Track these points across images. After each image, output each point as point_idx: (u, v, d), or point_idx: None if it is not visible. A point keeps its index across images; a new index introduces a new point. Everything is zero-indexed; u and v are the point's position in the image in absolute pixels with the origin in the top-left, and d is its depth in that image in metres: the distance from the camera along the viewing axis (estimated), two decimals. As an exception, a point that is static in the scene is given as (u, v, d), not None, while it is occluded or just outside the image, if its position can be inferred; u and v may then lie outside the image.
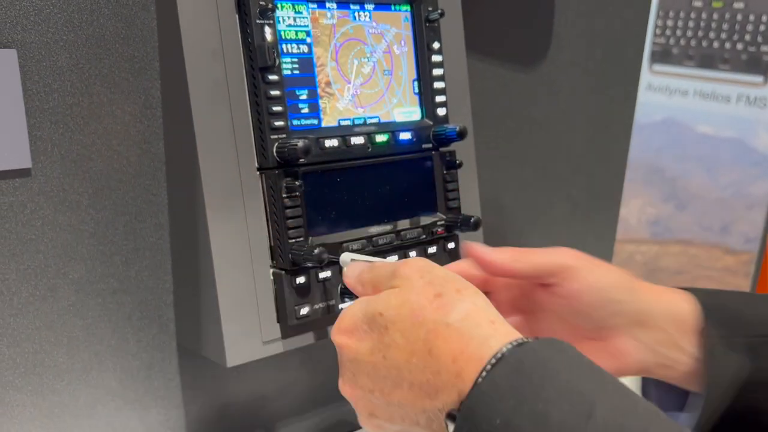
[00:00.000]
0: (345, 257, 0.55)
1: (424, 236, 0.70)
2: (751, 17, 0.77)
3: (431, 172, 0.71)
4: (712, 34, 0.80)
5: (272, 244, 0.63)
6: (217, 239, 0.61)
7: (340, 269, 0.55)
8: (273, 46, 0.61)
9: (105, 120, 0.64)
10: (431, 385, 0.41)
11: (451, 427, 0.40)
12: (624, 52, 1.05)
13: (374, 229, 0.67)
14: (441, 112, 0.72)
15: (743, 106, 0.78)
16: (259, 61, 0.60)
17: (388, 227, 0.68)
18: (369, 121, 0.68)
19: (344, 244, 0.64)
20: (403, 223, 0.70)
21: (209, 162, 0.60)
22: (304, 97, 0.64)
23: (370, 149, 0.67)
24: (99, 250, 0.65)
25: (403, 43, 0.70)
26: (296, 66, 0.63)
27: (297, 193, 0.62)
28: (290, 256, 0.62)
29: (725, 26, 0.79)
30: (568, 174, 1.05)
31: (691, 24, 0.81)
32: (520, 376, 0.38)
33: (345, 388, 0.48)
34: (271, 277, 0.63)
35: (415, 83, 0.71)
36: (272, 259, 0.63)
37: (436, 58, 0.71)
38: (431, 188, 0.71)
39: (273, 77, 0.61)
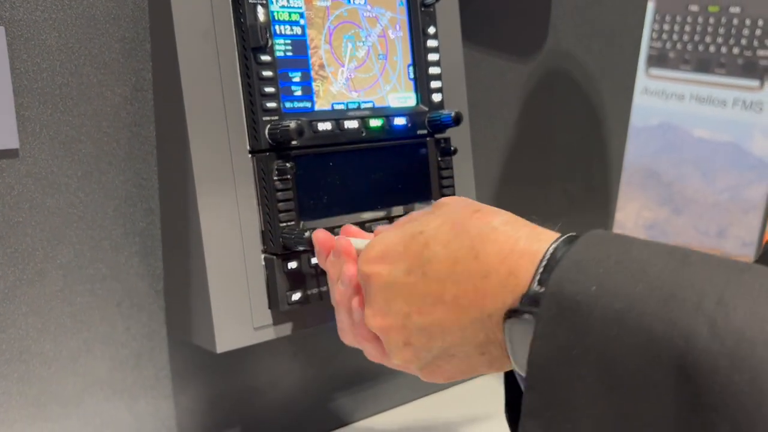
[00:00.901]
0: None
1: (418, 224, 0.69)
2: (747, 22, 0.76)
3: (426, 159, 0.70)
4: (708, 39, 0.79)
5: (263, 229, 0.62)
6: (207, 223, 0.60)
7: None
8: (265, 26, 0.60)
9: (95, 101, 0.63)
10: (478, 291, 0.40)
11: (518, 325, 0.38)
12: (621, 44, 1.05)
13: (367, 215, 0.66)
14: (436, 98, 0.71)
15: (739, 110, 0.77)
16: (251, 41, 0.59)
17: (381, 213, 0.67)
18: (363, 105, 0.67)
19: (336, 230, 0.63)
20: (397, 210, 0.68)
21: (200, 145, 0.59)
22: (297, 79, 0.63)
23: (364, 134, 0.66)
24: (88, 235, 0.64)
25: (398, 27, 0.69)
26: (289, 48, 0.62)
27: (288, 176, 0.61)
28: (281, 240, 0.61)
29: (721, 31, 0.78)
30: (564, 168, 1.04)
31: (687, 28, 0.81)
32: (597, 248, 0.36)
33: (376, 320, 0.46)
34: (263, 262, 0.62)
35: (410, 68, 0.70)
36: (263, 243, 0.62)
37: (431, 43, 0.70)
38: (425, 175, 0.70)
39: (265, 58, 0.60)
